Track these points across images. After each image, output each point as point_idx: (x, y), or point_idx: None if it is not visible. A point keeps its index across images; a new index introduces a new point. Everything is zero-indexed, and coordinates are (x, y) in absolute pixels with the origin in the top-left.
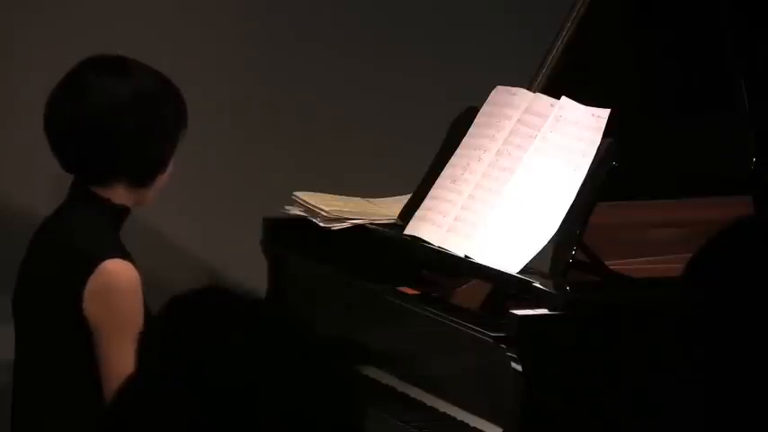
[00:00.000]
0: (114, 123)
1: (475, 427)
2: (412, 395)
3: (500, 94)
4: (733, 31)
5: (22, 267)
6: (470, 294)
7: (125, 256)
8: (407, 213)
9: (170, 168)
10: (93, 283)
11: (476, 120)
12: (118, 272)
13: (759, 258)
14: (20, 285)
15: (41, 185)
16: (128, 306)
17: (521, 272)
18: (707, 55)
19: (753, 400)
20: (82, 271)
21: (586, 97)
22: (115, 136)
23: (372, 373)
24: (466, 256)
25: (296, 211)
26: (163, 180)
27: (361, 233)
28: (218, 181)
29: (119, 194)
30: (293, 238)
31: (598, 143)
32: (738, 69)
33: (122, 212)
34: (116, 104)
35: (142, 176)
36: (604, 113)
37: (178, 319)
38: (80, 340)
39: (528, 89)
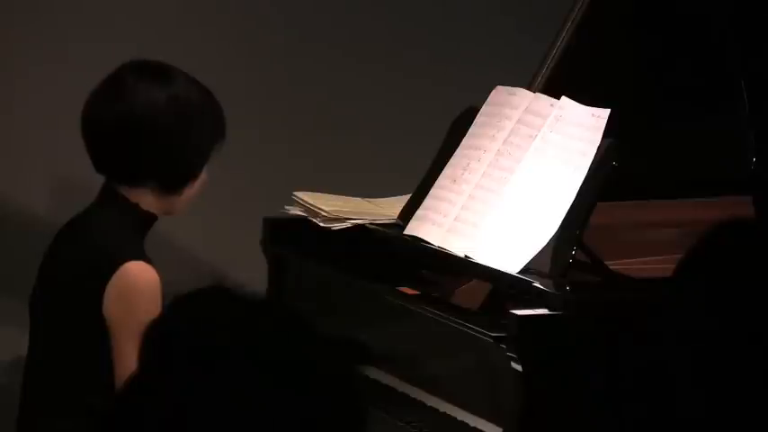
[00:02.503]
0: (148, 127)
1: (475, 427)
2: (412, 395)
3: (500, 94)
4: (734, 31)
5: (44, 266)
6: (470, 294)
7: (147, 259)
8: (407, 213)
9: (203, 177)
10: (114, 284)
11: (476, 120)
12: (138, 273)
13: (754, 258)
14: (40, 283)
15: (41, 185)
16: (147, 308)
17: (521, 272)
18: (707, 55)
19: (752, 400)
20: (104, 271)
21: (586, 97)
22: (147, 140)
23: (372, 373)
24: (466, 256)
25: (296, 211)
26: (194, 190)
27: (361, 233)
28: (219, 181)
29: (147, 200)
30: (293, 238)
31: (598, 143)
32: (739, 70)
33: (149, 219)
34: (151, 109)
35: (171, 183)
36: (604, 113)
37: (181, 319)
38: (96, 340)
39: (528, 89)
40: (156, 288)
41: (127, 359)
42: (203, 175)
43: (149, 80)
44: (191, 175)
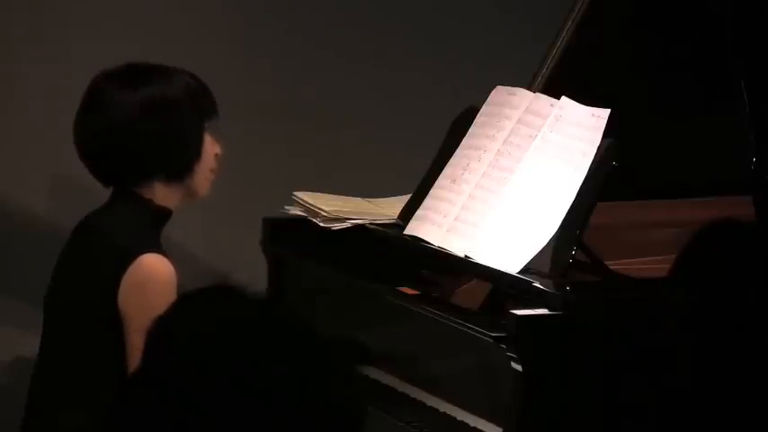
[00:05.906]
0: (128, 132)
1: (475, 427)
2: (412, 395)
3: (500, 94)
4: (734, 30)
5: (60, 263)
6: (470, 294)
7: (163, 252)
8: (407, 213)
9: (212, 152)
10: (129, 277)
11: (476, 120)
12: (153, 266)
13: (753, 258)
14: (56, 281)
15: (41, 185)
16: (162, 300)
17: (521, 272)
18: (707, 55)
19: (751, 400)
20: (119, 264)
21: (586, 97)
22: (131, 144)
23: (372, 373)
24: (466, 256)
25: (296, 211)
26: (206, 165)
27: (361, 233)
28: (219, 181)
29: (160, 193)
30: (293, 238)
31: (598, 143)
32: (739, 70)
33: (163, 214)
34: (127, 114)
35: (175, 173)
36: (604, 113)
37: (182, 318)
38: (112, 333)
39: (528, 89)
40: (170, 280)
41: (140, 352)
42: (214, 149)
43: (121, 86)
44: (189, 158)
